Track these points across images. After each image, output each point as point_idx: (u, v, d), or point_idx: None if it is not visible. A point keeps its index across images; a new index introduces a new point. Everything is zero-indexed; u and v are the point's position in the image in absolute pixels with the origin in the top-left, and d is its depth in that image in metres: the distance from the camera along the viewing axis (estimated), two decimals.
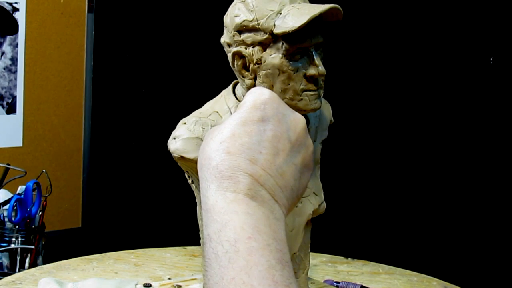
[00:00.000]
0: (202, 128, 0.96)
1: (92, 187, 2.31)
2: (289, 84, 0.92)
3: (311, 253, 1.30)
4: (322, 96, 0.95)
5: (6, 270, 1.38)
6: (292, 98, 0.93)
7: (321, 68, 0.91)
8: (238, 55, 0.95)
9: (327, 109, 1.06)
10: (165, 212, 2.25)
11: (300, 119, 0.61)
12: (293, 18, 0.89)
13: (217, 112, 0.98)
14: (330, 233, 1.88)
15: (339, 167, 1.91)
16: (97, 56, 2.27)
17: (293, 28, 0.89)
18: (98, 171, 2.31)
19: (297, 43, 0.91)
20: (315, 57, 0.92)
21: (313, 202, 0.99)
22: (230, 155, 0.56)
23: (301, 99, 0.93)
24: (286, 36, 0.90)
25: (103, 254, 1.27)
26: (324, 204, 1.02)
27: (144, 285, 1.12)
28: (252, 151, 0.56)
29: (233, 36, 0.95)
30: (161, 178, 2.18)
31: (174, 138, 0.95)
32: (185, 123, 0.96)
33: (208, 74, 1.87)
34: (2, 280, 1.13)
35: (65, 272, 1.19)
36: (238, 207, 0.54)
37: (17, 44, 2.10)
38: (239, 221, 0.53)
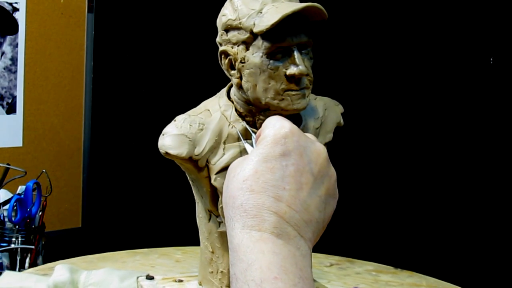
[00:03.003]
0: (189, 125, 0.97)
1: (92, 187, 2.31)
2: (269, 84, 0.91)
3: (359, 261, 1.29)
4: (308, 97, 0.93)
5: (6, 270, 1.38)
6: (273, 97, 0.92)
7: (302, 67, 0.90)
8: (224, 54, 0.96)
9: (334, 111, 1.04)
10: (165, 212, 2.25)
11: (321, 150, 0.60)
12: (269, 17, 0.89)
13: (208, 110, 1.00)
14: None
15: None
16: (97, 56, 2.27)
17: (267, 27, 0.88)
18: (98, 171, 2.31)
19: (276, 42, 0.90)
20: (296, 57, 0.90)
21: None
22: (254, 194, 0.56)
23: (283, 99, 0.92)
24: (266, 35, 0.90)
25: (152, 248, 1.28)
26: None
27: (147, 277, 1.13)
28: (275, 188, 0.56)
29: (221, 35, 0.97)
30: (161, 177, 2.18)
31: (163, 134, 0.98)
32: (175, 120, 0.99)
33: (209, 74, 1.87)
34: (40, 266, 1.15)
35: (105, 263, 1.21)
36: (264, 246, 0.53)
37: (17, 44, 2.10)
38: (265, 261, 0.52)
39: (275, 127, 0.59)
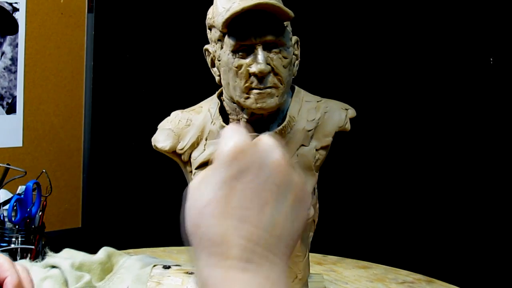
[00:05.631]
0: (179, 121, 1.00)
1: (92, 187, 2.31)
2: (236, 82, 0.92)
3: (439, 282, 1.22)
4: (278, 96, 0.92)
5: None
6: (240, 96, 0.92)
7: (262, 66, 0.89)
8: (207, 52, 0.98)
9: (338, 115, 1.01)
10: (165, 211, 2.25)
11: (280, 159, 0.55)
12: (227, 14, 0.89)
13: (201, 107, 1.02)
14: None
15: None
16: (97, 56, 2.27)
17: (221, 24, 0.89)
18: (98, 171, 2.31)
19: (240, 40, 0.90)
20: (258, 55, 0.89)
21: None
22: (216, 219, 0.51)
23: (248, 97, 0.91)
24: (231, 33, 0.90)
25: None
26: (312, 211, 0.99)
27: (164, 266, 1.15)
28: (238, 210, 0.52)
29: (208, 34, 0.98)
30: (161, 177, 2.18)
31: (158, 128, 1.02)
32: (170, 115, 1.03)
33: (209, 74, 1.87)
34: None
35: (183, 254, 1.27)
36: (233, 277, 0.50)
37: (17, 44, 2.10)
38: None
39: (228, 144, 0.54)
